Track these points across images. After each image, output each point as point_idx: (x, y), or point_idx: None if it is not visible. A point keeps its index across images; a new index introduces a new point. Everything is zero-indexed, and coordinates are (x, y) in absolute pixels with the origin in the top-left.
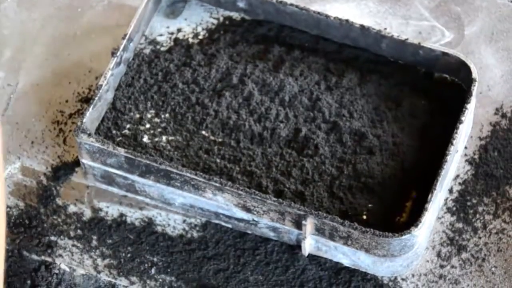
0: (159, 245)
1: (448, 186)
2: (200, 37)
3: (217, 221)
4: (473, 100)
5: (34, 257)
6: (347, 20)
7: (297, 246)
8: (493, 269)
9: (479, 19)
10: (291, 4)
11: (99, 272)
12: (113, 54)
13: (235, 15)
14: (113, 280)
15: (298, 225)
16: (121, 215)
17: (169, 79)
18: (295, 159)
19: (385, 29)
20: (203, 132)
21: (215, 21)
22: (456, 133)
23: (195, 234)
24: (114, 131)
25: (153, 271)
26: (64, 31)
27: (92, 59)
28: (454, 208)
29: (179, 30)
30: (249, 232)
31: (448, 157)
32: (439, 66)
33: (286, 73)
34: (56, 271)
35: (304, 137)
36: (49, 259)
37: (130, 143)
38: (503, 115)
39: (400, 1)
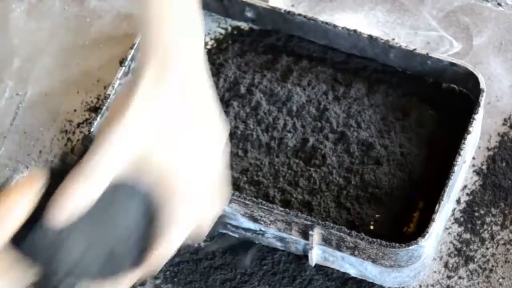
0: None
1: (455, 197)
2: (208, 46)
3: (224, 231)
4: (481, 111)
5: None
6: (355, 30)
7: (304, 256)
8: (500, 280)
9: (487, 29)
10: (299, 14)
11: None
12: (121, 63)
13: (243, 25)
14: None
15: (305, 235)
16: None
17: None
18: (302, 169)
19: (393, 39)
20: None
21: (223, 31)
22: (464, 143)
23: (202, 244)
24: None
25: (159, 281)
26: (72, 40)
27: (100, 69)
28: (462, 219)
29: None
30: (256, 242)
31: (456, 168)
32: (447, 77)
33: (294, 83)
34: None
35: (312, 147)
36: None
37: None
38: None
39: (408, 11)
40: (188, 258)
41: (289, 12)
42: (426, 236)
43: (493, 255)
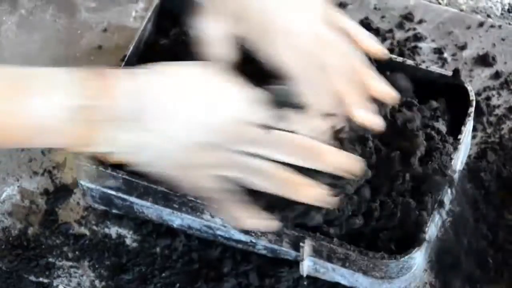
0: (158, 266)
1: (446, 207)
2: None
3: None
4: (470, 121)
5: (32, 278)
6: None
7: (296, 264)
8: None
9: (477, 40)
10: None
11: None
12: None
13: None
14: None
15: (296, 247)
16: (119, 236)
17: None
18: None
19: None
20: None
21: None
22: (455, 153)
23: (193, 255)
24: None
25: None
26: (63, 53)
27: None
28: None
29: None
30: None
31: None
32: (437, 88)
33: None
34: None
35: None
36: (47, 281)
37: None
38: (501, 136)
39: None
40: (179, 270)
41: None
42: (417, 247)
43: None
